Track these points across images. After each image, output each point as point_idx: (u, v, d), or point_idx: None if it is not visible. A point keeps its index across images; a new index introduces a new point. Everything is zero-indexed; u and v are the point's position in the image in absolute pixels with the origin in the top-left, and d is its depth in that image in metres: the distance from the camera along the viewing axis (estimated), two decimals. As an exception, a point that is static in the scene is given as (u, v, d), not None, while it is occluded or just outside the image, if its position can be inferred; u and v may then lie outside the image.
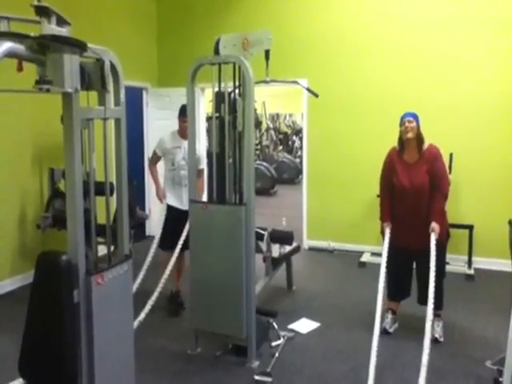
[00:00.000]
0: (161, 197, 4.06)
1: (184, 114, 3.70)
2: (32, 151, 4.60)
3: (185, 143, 3.62)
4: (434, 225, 3.21)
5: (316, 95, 4.70)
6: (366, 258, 5.27)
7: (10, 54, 1.53)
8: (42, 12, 1.65)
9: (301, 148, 10.94)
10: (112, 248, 2.23)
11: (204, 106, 6.41)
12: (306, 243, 5.82)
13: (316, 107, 5.57)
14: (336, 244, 5.67)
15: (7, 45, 1.49)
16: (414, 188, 3.31)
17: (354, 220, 5.61)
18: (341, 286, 4.55)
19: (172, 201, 3.99)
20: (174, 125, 4.04)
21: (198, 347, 3.21)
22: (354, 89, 5.53)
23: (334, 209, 5.67)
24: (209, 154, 3.62)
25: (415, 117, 3.33)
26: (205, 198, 4.06)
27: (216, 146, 3.13)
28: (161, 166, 4.16)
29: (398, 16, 5.29)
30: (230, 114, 3.05)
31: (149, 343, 3.26)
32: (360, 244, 5.54)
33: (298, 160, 11.56)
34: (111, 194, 2.19)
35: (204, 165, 4.04)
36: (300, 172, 8.68)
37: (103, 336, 1.89)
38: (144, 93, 6.29)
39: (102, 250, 2.22)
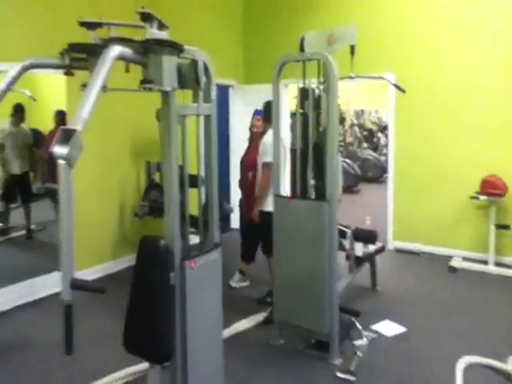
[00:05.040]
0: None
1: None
2: (130, 146, 5.02)
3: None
4: None
5: (403, 91, 4.53)
6: (456, 262, 4.94)
7: (120, 57, 1.69)
8: (146, 18, 1.80)
9: (386, 145, 10.53)
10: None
11: (287, 101, 6.45)
12: (392, 244, 5.60)
13: (403, 103, 5.35)
14: (423, 247, 5.41)
15: (119, 49, 1.66)
16: None
17: (444, 222, 5.29)
18: (429, 291, 4.30)
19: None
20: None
21: (281, 339, 3.27)
22: (442, 84, 5.21)
23: (422, 209, 5.40)
24: (292, 150, 3.65)
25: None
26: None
27: (300, 141, 3.17)
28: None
29: (491, 7, 4.87)
30: (314, 111, 3.06)
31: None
32: (450, 248, 5.22)
33: (383, 158, 11.12)
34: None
35: (269, 159, 3.54)
36: (385, 170, 8.37)
37: (195, 317, 2.01)
38: (230, 90, 6.53)
39: (191, 240, 2.36)
